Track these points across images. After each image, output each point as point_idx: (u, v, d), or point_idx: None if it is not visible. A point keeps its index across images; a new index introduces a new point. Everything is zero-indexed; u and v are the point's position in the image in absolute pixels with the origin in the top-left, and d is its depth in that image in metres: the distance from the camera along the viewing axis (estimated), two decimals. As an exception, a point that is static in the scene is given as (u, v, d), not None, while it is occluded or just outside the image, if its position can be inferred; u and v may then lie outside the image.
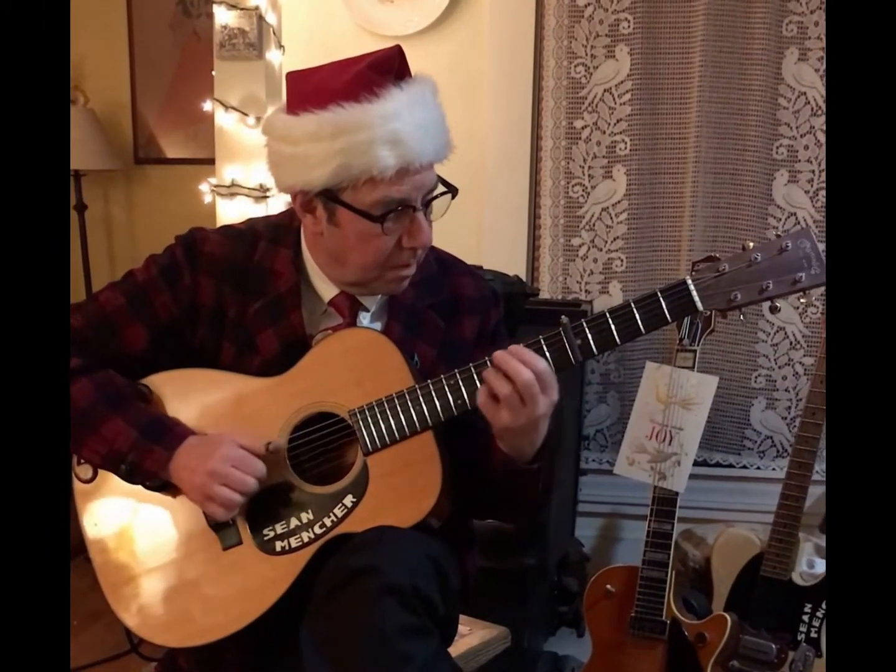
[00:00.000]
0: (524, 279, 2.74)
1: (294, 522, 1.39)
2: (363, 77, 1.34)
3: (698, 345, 2.17)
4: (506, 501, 1.49)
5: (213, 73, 2.66)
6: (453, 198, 1.44)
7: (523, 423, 1.30)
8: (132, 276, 1.51)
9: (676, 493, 2.18)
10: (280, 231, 1.51)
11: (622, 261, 2.86)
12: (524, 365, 1.28)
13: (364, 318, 1.50)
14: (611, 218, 2.84)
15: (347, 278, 1.46)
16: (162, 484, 1.42)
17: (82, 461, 1.49)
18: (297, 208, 1.44)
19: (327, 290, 1.49)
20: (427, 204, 1.40)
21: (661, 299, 1.29)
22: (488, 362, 1.33)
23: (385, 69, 1.35)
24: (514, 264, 2.80)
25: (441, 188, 1.42)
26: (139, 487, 1.44)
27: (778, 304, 1.31)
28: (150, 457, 1.39)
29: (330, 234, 1.41)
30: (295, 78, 1.42)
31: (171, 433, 1.41)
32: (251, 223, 1.56)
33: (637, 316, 1.30)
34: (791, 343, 2.82)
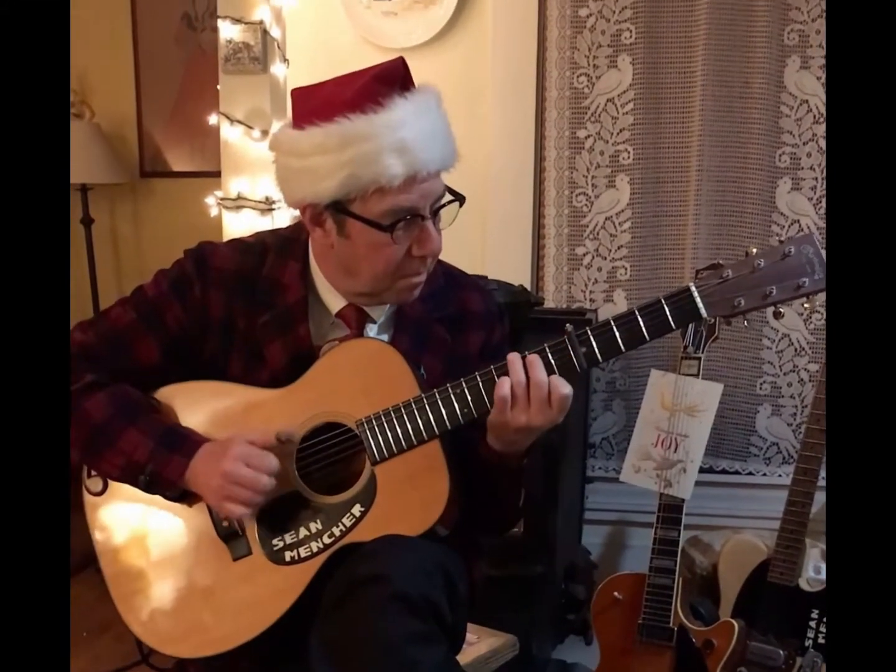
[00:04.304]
0: (528, 288, 2.74)
1: (303, 532, 1.40)
2: (368, 89, 1.35)
3: (703, 352, 2.18)
4: (490, 502, 1.49)
5: (219, 86, 2.68)
6: (461, 206, 1.45)
7: (538, 425, 1.33)
8: (142, 291, 1.52)
9: (682, 500, 2.18)
10: (289, 244, 1.52)
11: (626, 269, 2.86)
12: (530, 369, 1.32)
13: (371, 330, 1.51)
14: (614, 227, 2.85)
15: (358, 289, 1.47)
16: (180, 494, 1.43)
17: (93, 474, 1.50)
18: (306, 222, 1.45)
19: (335, 301, 1.50)
20: (435, 212, 1.42)
21: (664, 306, 1.30)
22: (493, 372, 1.35)
23: (390, 80, 1.36)
24: (518, 274, 2.80)
25: (449, 196, 1.43)
26: (149, 498, 1.44)
27: (782, 310, 1.32)
28: (168, 466, 1.40)
29: (340, 245, 1.42)
30: (300, 93, 1.44)
31: (188, 441, 1.42)
32: (260, 236, 1.57)
33: (641, 323, 1.31)
34: (796, 350, 2.82)
